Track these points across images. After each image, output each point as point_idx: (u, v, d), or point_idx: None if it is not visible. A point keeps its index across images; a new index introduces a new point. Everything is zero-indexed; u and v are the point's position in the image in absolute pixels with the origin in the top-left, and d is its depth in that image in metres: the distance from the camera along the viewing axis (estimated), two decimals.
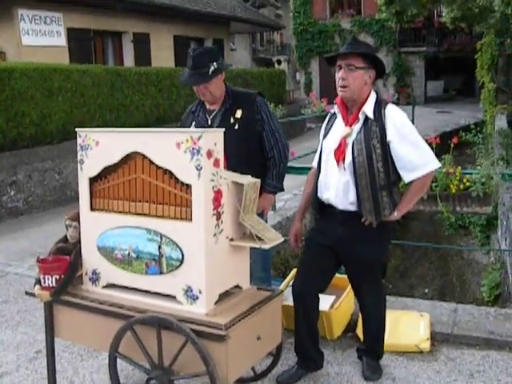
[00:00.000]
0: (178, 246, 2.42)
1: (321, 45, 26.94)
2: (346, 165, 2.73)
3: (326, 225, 2.90)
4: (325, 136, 2.91)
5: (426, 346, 3.42)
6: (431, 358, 3.33)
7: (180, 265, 2.43)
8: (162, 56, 13.23)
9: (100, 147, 2.59)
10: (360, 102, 2.76)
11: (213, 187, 2.39)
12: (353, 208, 2.76)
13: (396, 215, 2.75)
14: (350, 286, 3.71)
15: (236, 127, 3.07)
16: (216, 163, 2.41)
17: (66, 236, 2.85)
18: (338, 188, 2.77)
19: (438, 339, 3.54)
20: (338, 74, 2.76)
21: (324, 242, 2.89)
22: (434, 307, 3.93)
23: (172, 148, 2.38)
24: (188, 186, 2.38)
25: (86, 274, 2.73)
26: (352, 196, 2.74)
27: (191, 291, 2.43)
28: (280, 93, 17.17)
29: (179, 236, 2.42)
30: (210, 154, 2.35)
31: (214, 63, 3.01)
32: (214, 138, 2.38)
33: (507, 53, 12.13)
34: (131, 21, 12.20)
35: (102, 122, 8.92)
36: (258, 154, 3.15)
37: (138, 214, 2.53)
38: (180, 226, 2.41)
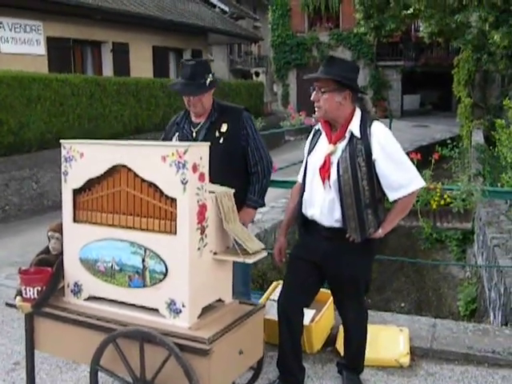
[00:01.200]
0: (161, 259, 2.42)
1: (298, 57, 27.25)
2: (332, 183, 2.76)
3: (311, 240, 2.92)
4: (309, 152, 2.94)
5: (405, 360, 3.46)
6: (411, 373, 3.37)
7: (163, 278, 2.43)
8: (141, 66, 13.21)
9: (84, 159, 2.58)
10: (343, 120, 2.80)
11: (198, 201, 2.40)
12: (338, 225, 2.79)
13: (380, 233, 2.79)
14: (330, 300, 3.76)
15: (221, 141, 3.09)
16: (201, 177, 2.42)
17: (47, 247, 2.83)
18: (323, 205, 2.80)
19: (418, 354, 3.58)
20: (312, 96, 2.81)
21: (309, 258, 2.91)
22: (413, 322, 3.97)
23: (157, 161, 2.39)
24: (173, 200, 2.39)
25: (68, 285, 2.71)
26: (337, 214, 2.77)
27: (174, 305, 2.43)
28: (258, 105, 17.27)
29: (163, 249, 2.42)
30: (195, 167, 2.37)
31: (210, 75, 3.04)
32: (199, 152, 2.40)
33: (484, 68, 12.41)
34: (111, 30, 12.18)
35: (80, 131, 8.86)
36: (241, 168, 3.17)
37: (122, 227, 2.52)
38: (164, 240, 2.41)
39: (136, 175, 2.46)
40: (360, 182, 2.72)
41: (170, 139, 3.23)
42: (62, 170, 2.65)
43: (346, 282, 2.89)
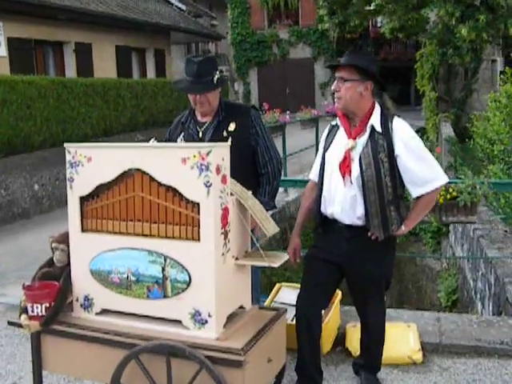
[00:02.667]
0: (184, 267, 2.28)
1: (259, 55, 27.15)
2: (354, 179, 2.67)
3: (330, 240, 2.82)
4: (326, 149, 2.84)
5: (418, 356, 3.41)
6: (425, 369, 3.32)
7: (187, 287, 2.29)
8: (105, 67, 12.87)
9: (93, 164, 2.41)
10: (362, 114, 2.72)
11: (221, 204, 2.27)
12: (360, 222, 2.70)
13: (404, 230, 2.72)
14: (337, 300, 3.69)
15: (229, 141, 2.95)
16: (224, 179, 2.30)
17: (50, 259, 2.64)
18: (344, 202, 2.71)
19: (428, 349, 3.54)
20: (333, 86, 2.73)
21: (327, 258, 2.82)
22: (418, 317, 3.93)
23: (177, 164, 2.24)
24: (194, 204, 2.25)
25: (77, 300, 2.53)
26: (359, 211, 2.69)
27: (199, 315, 2.30)
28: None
29: (186, 257, 2.28)
30: (218, 169, 2.24)
31: (218, 72, 2.90)
32: (222, 153, 2.27)
33: (449, 62, 12.61)
34: (73, 30, 11.80)
35: (48, 134, 8.55)
36: (250, 169, 3.04)
37: (138, 235, 2.37)
38: (186, 247, 2.28)
39: (152, 179, 2.32)
40: (383, 178, 2.64)
41: (175, 139, 3.08)
42: (67, 176, 2.47)
43: (368, 281, 2.81)
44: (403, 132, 2.68)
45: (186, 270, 2.28)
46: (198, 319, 2.30)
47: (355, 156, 2.69)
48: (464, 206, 3.39)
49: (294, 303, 3.56)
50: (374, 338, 3.00)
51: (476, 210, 3.50)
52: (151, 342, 2.24)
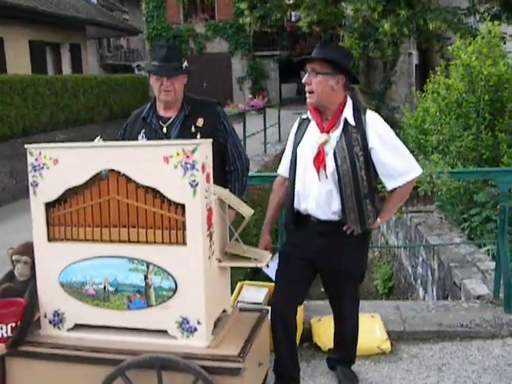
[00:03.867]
0: (169, 274, 2.13)
1: None
2: (329, 173, 2.62)
3: (303, 236, 2.76)
4: (298, 143, 2.77)
5: (387, 346, 3.44)
6: (395, 358, 3.36)
7: (173, 295, 2.15)
8: (18, 62, 12.13)
9: (60, 166, 2.20)
10: (334, 107, 2.67)
11: (206, 205, 2.15)
12: (335, 217, 2.66)
13: (379, 222, 2.71)
14: None
15: (198, 137, 2.81)
16: (208, 178, 2.18)
17: (10, 273, 2.40)
18: (318, 198, 2.65)
19: (393, 338, 3.57)
20: (303, 79, 2.67)
21: (301, 255, 2.76)
22: (378, 306, 3.98)
23: (158, 163, 2.09)
24: (178, 206, 2.11)
25: (46, 316, 2.31)
26: (335, 206, 2.64)
27: (187, 323, 2.16)
28: (144, 99, 16.67)
29: (171, 263, 2.13)
30: (203, 168, 2.11)
31: (185, 61, 2.78)
32: (206, 151, 2.15)
33: (370, 55, 12.94)
34: None
35: None
36: (219, 166, 2.91)
37: (114, 242, 2.20)
38: (171, 252, 2.13)
39: (129, 180, 2.15)
40: (359, 171, 2.61)
41: (134, 137, 2.90)
42: (30, 180, 2.25)
43: (343, 275, 2.77)
44: (377, 124, 2.66)
45: (172, 277, 2.14)
46: (187, 327, 2.16)
47: (329, 150, 2.64)
48: (424, 195, 3.44)
49: (259, 301, 3.48)
50: (349, 332, 2.98)
51: (434, 200, 3.56)
52: (140, 355, 2.08)
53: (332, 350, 3.17)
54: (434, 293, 5.57)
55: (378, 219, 2.71)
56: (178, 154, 2.07)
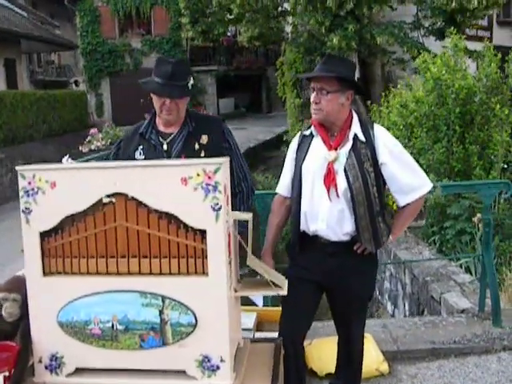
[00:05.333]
0: (188, 308, 1.91)
1: (111, 65, 26.19)
2: (341, 192, 2.48)
3: (311, 258, 2.61)
4: (302, 160, 2.61)
5: (385, 367, 3.34)
6: (396, 380, 3.27)
7: (192, 331, 1.93)
8: None
9: (58, 190, 1.94)
10: (341, 123, 2.55)
11: (227, 230, 1.95)
12: (346, 238, 2.53)
13: (391, 240, 2.61)
14: None
15: (202, 155, 2.61)
16: (228, 201, 1.98)
17: None
18: (329, 218, 2.52)
19: (388, 358, 3.48)
20: (312, 97, 2.53)
21: (307, 277, 2.61)
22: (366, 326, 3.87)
23: (175, 185, 1.88)
24: (197, 232, 1.90)
25: (41, 361, 2.03)
26: (348, 226, 2.51)
27: (208, 361, 1.94)
28: (83, 115, 16.19)
29: (190, 295, 1.92)
30: (225, 190, 1.91)
31: (191, 78, 2.56)
32: (226, 170, 1.95)
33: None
34: None
35: None
36: None
37: (122, 274, 1.96)
38: (190, 283, 1.92)
39: (139, 205, 1.92)
40: (371, 188, 2.50)
41: (131, 154, 2.67)
42: (22, 207, 1.97)
43: (354, 297, 2.65)
44: (386, 139, 2.57)
45: (191, 311, 1.92)
46: (208, 366, 1.94)
47: (339, 168, 2.51)
48: None
49: (249, 328, 3.29)
50: (357, 355, 2.85)
51: (425, 215, 3.50)
52: None
53: (334, 375, 3.01)
54: (407, 307, 5.54)
55: (391, 236, 2.60)
56: (198, 175, 1.87)
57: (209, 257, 1.90)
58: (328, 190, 2.51)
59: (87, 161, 4.94)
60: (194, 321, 1.92)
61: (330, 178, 2.50)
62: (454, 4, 9.72)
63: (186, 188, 1.88)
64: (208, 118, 2.90)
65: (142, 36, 25.92)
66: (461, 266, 5.14)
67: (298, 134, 2.73)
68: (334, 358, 3.06)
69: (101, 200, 1.93)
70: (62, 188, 1.94)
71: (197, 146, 2.61)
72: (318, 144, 2.59)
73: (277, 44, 18.21)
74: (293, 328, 2.61)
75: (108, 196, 1.93)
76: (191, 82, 2.63)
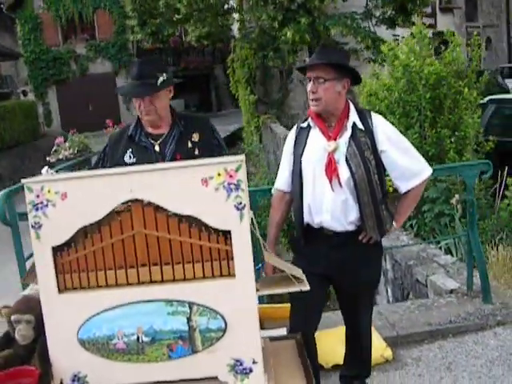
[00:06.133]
0: (217, 312, 1.86)
1: (57, 72, 25.57)
2: (343, 182, 2.48)
3: (316, 251, 2.60)
4: (301, 153, 2.59)
5: (389, 353, 3.36)
6: (401, 364, 3.29)
7: (222, 335, 1.87)
8: None
9: (70, 201, 1.85)
10: (339, 112, 2.55)
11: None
12: (351, 228, 2.53)
13: (395, 227, 2.61)
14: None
15: (196, 152, 2.58)
16: (247, 199, 1.92)
17: (6, 337, 1.99)
18: (333, 209, 2.51)
19: (389, 343, 3.50)
20: (308, 87, 2.52)
21: (314, 271, 2.58)
22: None
23: (195, 187, 1.82)
24: (218, 233, 1.85)
25: (62, 383, 1.93)
26: (353, 215, 2.50)
27: (241, 364, 1.89)
28: (34, 125, 15.70)
29: (218, 299, 1.86)
30: (246, 187, 1.86)
31: (164, 74, 2.50)
32: (244, 168, 1.90)
33: (269, 65, 13.03)
34: None
35: None
36: None
37: (144, 283, 1.88)
38: (217, 287, 1.86)
39: (157, 210, 1.85)
40: (373, 176, 2.50)
41: (120, 158, 2.59)
42: (31, 221, 1.87)
43: (362, 287, 2.66)
44: (385, 127, 2.59)
45: (220, 315, 1.86)
46: (240, 370, 1.89)
47: (340, 157, 2.51)
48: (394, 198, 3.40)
49: None
50: (365, 344, 2.86)
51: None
52: None
53: (344, 366, 3.01)
54: (390, 293, 5.61)
55: (394, 224, 2.62)
56: (219, 175, 1.81)
57: (235, 257, 1.84)
58: (330, 181, 2.50)
59: (57, 171, 4.76)
60: (223, 325, 1.86)
61: (331, 169, 2.49)
62: None
63: (207, 189, 1.82)
64: (195, 117, 2.92)
65: (87, 41, 25.38)
66: (440, 248, 5.23)
67: (295, 127, 2.71)
68: (339, 349, 3.07)
69: (116, 208, 1.85)
70: (73, 199, 1.85)
71: (190, 145, 2.60)
72: (316, 135, 2.58)
73: (224, 42, 18.15)
74: (304, 323, 2.60)
75: (124, 203, 1.85)
76: (162, 78, 2.56)
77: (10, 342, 1.98)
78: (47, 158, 8.45)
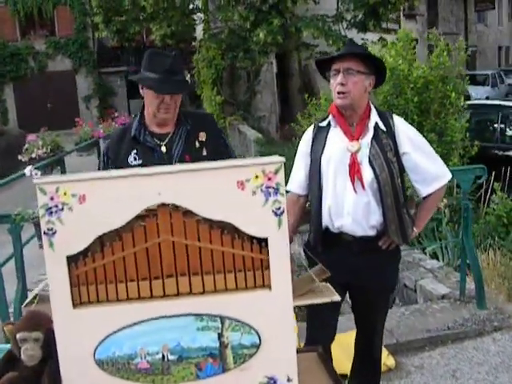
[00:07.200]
0: (251, 326, 1.71)
1: (14, 69, 24.80)
2: (367, 184, 2.37)
3: (334, 257, 2.46)
4: (321, 153, 2.46)
5: (392, 362, 3.28)
6: (405, 373, 3.21)
7: (256, 352, 1.72)
8: None
9: (89, 205, 1.66)
10: (361, 111, 2.44)
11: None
12: (372, 232, 2.42)
13: (416, 232, 2.52)
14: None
15: (204, 153, 2.42)
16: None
17: (10, 358, 1.79)
18: (355, 212, 2.40)
19: (390, 351, 3.42)
20: (337, 79, 2.39)
21: (332, 279, 2.45)
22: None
23: (230, 190, 1.66)
24: (253, 241, 1.70)
25: None
26: (374, 219, 2.40)
27: (274, 382, 1.75)
28: None
29: (252, 312, 1.71)
30: (284, 191, 1.72)
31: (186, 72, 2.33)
32: (283, 170, 1.75)
33: (239, 65, 12.87)
34: None
35: None
36: None
37: (170, 296, 1.71)
38: (251, 299, 1.71)
39: (187, 215, 1.68)
40: (396, 179, 2.40)
41: (124, 160, 2.40)
42: (44, 228, 1.67)
43: (380, 293, 2.58)
44: (407, 129, 2.51)
45: (255, 330, 1.71)
46: None
47: (363, 158, 2.40)
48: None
49: None
50: (377, 353, 2.76)
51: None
52: None
53: (352, 376, 2.90)
54: None
55: (415, 229, 2.52)
56: (256, 177, 1.66)
57: (272, 267, 1.70)
58: (353, 182, 2.39)
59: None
60: (257, 340, 1.71)
61: (354, 170, 2.38)
62: None
63: (243, 192, 1.66)
64: (201, 115, 2.77)
65: (46, 37, 24.68)
66: (425, 253, 5.20)
67: (312, 127, 2.59)
68: (343, 358, 2.96)
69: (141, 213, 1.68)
70: (93, 202, 1.66)
71: (197, 144, 2.45)
72: (336, 135, 2.47)
73: (187, 42, 17.94)
74: (322, 335, 2.48)
75: (150, 209, 1.67)
76: (188, 76, 2.44)
77: (14, 363, 1.77)
78: (19, 157, 8.05)
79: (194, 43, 17.29)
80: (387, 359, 3.28)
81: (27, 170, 2.75)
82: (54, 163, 6.78)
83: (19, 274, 3.58)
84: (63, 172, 6.71)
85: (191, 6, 14.92)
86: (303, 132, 7.72)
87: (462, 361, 3.27)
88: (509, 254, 4.47)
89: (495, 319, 3.72)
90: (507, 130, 7.37)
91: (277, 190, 1.67)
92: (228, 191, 1.66)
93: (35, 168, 3.35)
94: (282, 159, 1.69)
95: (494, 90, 19.57)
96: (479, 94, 17.35)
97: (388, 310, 2.76)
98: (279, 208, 1.68)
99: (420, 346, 3.49)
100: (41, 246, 3.60)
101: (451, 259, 4.87)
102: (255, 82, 14.40)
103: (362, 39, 11.61)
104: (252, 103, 15.15)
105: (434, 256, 5.05)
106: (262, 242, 1.70)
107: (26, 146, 7.99)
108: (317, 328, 2.50)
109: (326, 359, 2.15)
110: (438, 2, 25.63)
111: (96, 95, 26.58)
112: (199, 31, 16.43)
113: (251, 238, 1.70)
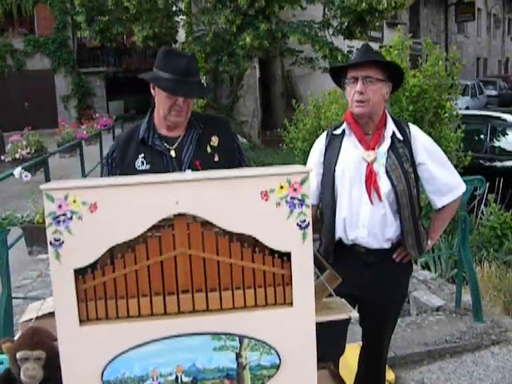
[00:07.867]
0: (271, 346, 1.60)
1: None
2: (383, 195, 2.28)
3: (346, 270, 2.37)
4: (335, 163, 2.38)
5: (392, 376, 3.21)
6: None
7: (275, 373, 1.62)
8: None
9: (100, 214, 1.54)
10: (378, 120, 2.36)
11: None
12: (387, 245, 2.34)
13: (430, 244, 2.45)
14: None
15: (216, 159, 2.30)
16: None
17: (8, 378, 1.65)
18: (371, 224, 2.31)
19: (389, 364, 3.34)
20: (356, 87, 2.30)
21: (343, 291, 2.36)
22: (353, 333, 3.71)
23: (253, 201, 1.56)
24: (274, 255, 1.60)
25: None
26: (391, 231, 2.32)
27: None
28: None
29: (272, 331, 1.61)
30: (310, 204, 1.62)
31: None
32: (309, 180, 1.66)
33: (223, 69, 12.77)
34: None
35: None
36: None
37: (185, 314, 1.60)
38: (272, 317, 1.61)
39: (205, 227, 1.57)
40: (413, 190, 2.33)
41: (131, 164, 2.28)
42: (50, 238, 1.54)
43: (391, 306, 2.50)
44: (424, 138, 2.44)
45: (275, 350, 1.61)
46: None
47: (379, 168, 2.32)
48: None
49: None
50: (384, 367, 2.69)
51: None
52: None
53: None
54: None
55: (429, 241, 2.45)
56: (281, 187, 1.56)
57: (294, 283, 1.60)
58: (369, 194, 2.30)
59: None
60: (277, 361, 1.61)
61: (371, 180, 2.29)
62: (363, 5, 9.93)
63: (266, 203, 1.56)
64: (214, 118, 2.64)
65: (25, 36, 24.24)
66: (416, 263, 5.15)
67: (325, 134, 2.50)
68: (344, 373, 2.87)
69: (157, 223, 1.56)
70: (105, 211, 1.54)
71: (209, 150, 2.33)
72: (351, 143, 2.39)
73: (169, 45, 17.81)
74: (332, 351, 2.38)
75: (166, 218, 1.56)
76: (203, 79, 2.33)
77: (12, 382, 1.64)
78: (1, 157, 7.78)
79: (175, 46, 17.17)
80: (387, 373, 3.21)
81: (16, 172, 2.59)
82: (38, 164, 6.57)
83: (5, 279, 3.41)
84: (47, 174, 6.50)
85: (174, 8, 14.79)
86: (290, 139, 7.64)
87: (462, 376, 3.21)
88: (503, 266, 4.45)
89: (493, 332, 3.68)
90: (495, 140, 7.40)
91: (302, 202, 1.57)
92: (251, 202, 1.56)
93: (23, 169, 3.18)
94: (309, 168, 1.60)
95: (473, 100, 19.80)
96: (459, 104, 17.52)
97: (396, 323, 2.70)
98: (304, 221, 1.58)
99: (418, 359, 3.42)
100: (30, 253, 3.45)
101: (444, 270, 4.82)
102: (238, 87, 14.32)
103: (348, 46, 11.65)
104: (234, 107, 15.07)
105: (426, 266, 5.00)
106: (284, 256, 1.60)
107: (9, 145, 7.75)
108: (326, 344, 2.41)
109: (339, 377, 2.06)
110: (420, 11, 25.93)
111: (75, 95, 26.20)
112: (182, 34, 16.32)
113: (272, 252, 1.60)
